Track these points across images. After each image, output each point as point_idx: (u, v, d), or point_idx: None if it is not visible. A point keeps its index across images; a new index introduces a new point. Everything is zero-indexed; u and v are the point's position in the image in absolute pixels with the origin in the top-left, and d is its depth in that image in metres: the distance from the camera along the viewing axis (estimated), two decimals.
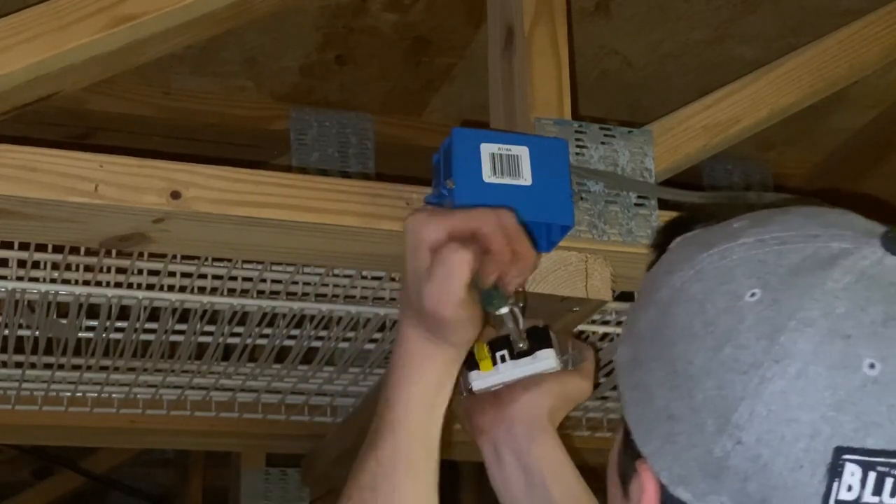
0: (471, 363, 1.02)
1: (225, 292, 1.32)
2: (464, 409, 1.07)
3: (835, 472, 0.60)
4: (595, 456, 1.72)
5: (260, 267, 1.28)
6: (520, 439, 1.03)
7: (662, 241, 0.76)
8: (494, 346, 1.02)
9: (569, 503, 1.03)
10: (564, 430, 1.57)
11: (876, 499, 0.60)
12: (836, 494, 0.60)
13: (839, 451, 0.60)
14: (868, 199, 1.78)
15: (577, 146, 1.11)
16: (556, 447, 1.05)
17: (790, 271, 0.64)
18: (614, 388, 1.56)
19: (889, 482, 0.61)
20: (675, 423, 0.65)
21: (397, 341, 0.96)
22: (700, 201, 1.13)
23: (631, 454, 0.69)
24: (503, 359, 1.02)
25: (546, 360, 1.02)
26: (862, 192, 1.81)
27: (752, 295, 0.64)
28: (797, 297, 0.63)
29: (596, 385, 1.54)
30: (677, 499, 0.65)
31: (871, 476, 0.60)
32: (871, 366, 0.61)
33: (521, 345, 1.00)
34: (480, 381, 1.03)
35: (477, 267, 0.90)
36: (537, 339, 1.03)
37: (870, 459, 0.60)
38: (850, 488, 0.60)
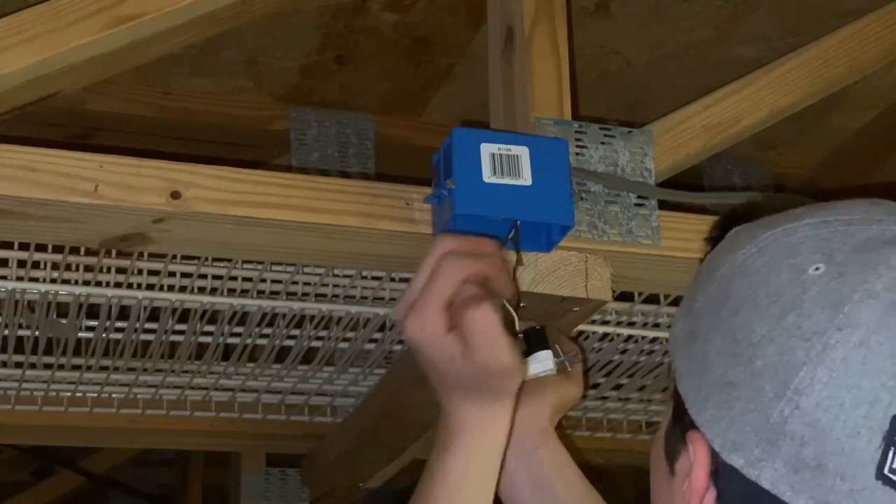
0: None
1: (225, 292, 1.31)
2: None
3: (891, 440, 0.61)
4: (595, 456, 1.73)
5: (260, 267, 1.28)
6: (524, 445, 1.04)
7: (718, 234, 0.77)
8: None
9: (576, 503, 1.04)
10: (564, 431, 1.57)
11: None
12: (892, 462, 0.61)
13: None
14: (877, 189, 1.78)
15: (577, 146, 1.11)
16: (558, 450, 1.07)
17: (855, 248, 0.66)
18: (615, 388, 1.56)
19: None
20: (733, 389, 0.66)
21: (446, 416, 0.95)
22: (700, 202, 1.13)
23: (680, 429, 0.70)
24: None
25: (543, 361, 1.02)
26: (872, 184, 1.81)
27: (817, 269, 0.66)
28: (862, 271, 0.64)
29: (596, 385, 1.54)
30: (730, 466, 0.65)
31: None
32: None
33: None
34: None
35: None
36: (535, 341, 1.03)
37: None
38: None
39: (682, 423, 0.70)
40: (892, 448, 0.61)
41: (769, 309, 0.66)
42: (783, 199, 0.80)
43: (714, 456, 0.67)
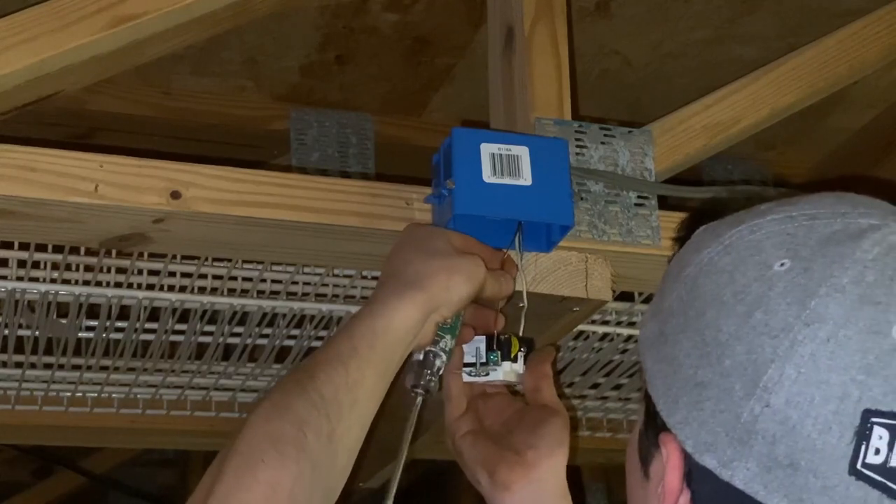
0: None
1: (225, 292, 1.31)
2: (484, 457, 1.02)
3: (863, 434, 0.61)
4: (595, 456, 1.72)
5: (260, 267, 1.28)
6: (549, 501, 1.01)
7: (685, 233, 0.76)
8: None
9: None
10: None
11: None
12: (864, 457, 0.61)
13: (867, 414, 0.61)
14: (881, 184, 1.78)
15: (577, 146, 1.11)
16: None
17: (820, 243, 0.65)
18: (615, 388, 1.56)
19: None
20: (703, 389, 0.65)
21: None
22: (701, 196, 1.13)
23: (653, 431, 0.69)
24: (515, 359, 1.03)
25: (513, 371, 1.03)
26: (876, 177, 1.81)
27: (782, 265, 0.65)
28: (828, 266, 0.64)
29: (596, 385, 1.54)
30: (703, 467, 0.65)
31: None
32: None
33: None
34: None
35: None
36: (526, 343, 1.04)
37: None
38: (877, 451, 0.61)
39: (654, 426, 0.69)
40: (864, 443, 0.61)
41: (736, 307, 0.65)
42: (747, 192, 0.79)
43: (687, 457, 0.66)
